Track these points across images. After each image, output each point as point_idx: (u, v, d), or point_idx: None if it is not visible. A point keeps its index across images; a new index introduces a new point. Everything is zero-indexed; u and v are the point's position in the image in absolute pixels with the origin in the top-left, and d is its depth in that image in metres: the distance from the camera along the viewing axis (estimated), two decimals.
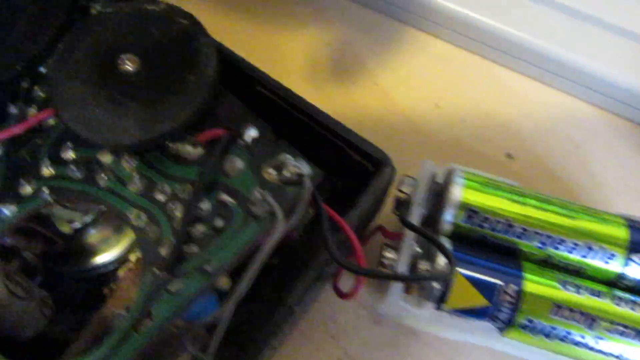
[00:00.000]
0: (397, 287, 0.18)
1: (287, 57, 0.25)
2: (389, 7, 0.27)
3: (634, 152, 0.25)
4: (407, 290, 0.18)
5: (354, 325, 0.22)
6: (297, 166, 0.15)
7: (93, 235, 0.19)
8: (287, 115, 0.18)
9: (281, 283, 0.18)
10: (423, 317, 0.18)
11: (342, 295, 0.19)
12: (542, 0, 0.25)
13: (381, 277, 0.18)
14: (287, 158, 0.15)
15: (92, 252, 0.20)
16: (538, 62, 0.25)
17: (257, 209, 0.15)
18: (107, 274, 0.20)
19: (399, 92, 0.25)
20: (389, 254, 0.18)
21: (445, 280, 0.16)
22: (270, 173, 0.15)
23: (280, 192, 0.15)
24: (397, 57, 0.26)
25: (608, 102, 0.25)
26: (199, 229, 0.15)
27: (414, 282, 0.17)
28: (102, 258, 0.20)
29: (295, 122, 0.18)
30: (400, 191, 0.19)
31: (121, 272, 0.18)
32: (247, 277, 0.14)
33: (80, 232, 0.19)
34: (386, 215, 0.21)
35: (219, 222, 0.15)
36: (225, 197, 0.15)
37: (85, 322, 0.17)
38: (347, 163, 0.18)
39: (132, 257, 0.19)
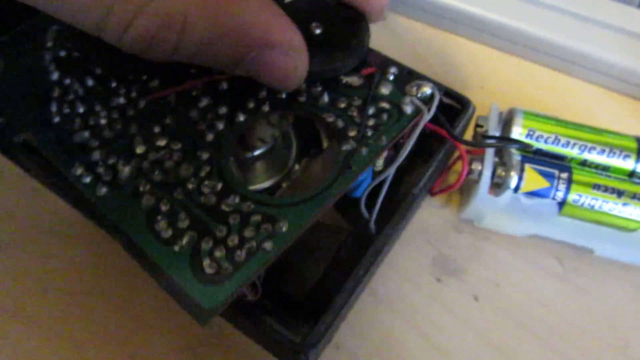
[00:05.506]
0: (484, 188, 0.26)
1: None
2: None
3: None
4: (489, 191, 0.27)
5: (443, 234, 0.29)
6: (427, 84, 0.24)
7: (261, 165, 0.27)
8: None
9: (409, 176, 0.26)
10: (502, 205, 0.26)
11: (443, 191, 0.27)
12: None
13: (486, 146, 0.25)
14: (421, 81, 0.24)
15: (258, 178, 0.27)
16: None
17: (407, 109, 0.23)
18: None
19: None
20: (475, 166, 0.27)
21: (529, 147, 0.24)
22: (412, 90, 0.24)
23: (420, 99, 0.23)
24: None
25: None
26: (370, 123, 0.23)
27: (512, 144, 0.25)
28: (263, 185, 0.27)
29: None
30: (478, 125, 0.28)
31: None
32: (407, 146, 0.22)
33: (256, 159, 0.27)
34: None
35: (383, 118, 0.23)
36: (384, 105, 0.23)
37: None
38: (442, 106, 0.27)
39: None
